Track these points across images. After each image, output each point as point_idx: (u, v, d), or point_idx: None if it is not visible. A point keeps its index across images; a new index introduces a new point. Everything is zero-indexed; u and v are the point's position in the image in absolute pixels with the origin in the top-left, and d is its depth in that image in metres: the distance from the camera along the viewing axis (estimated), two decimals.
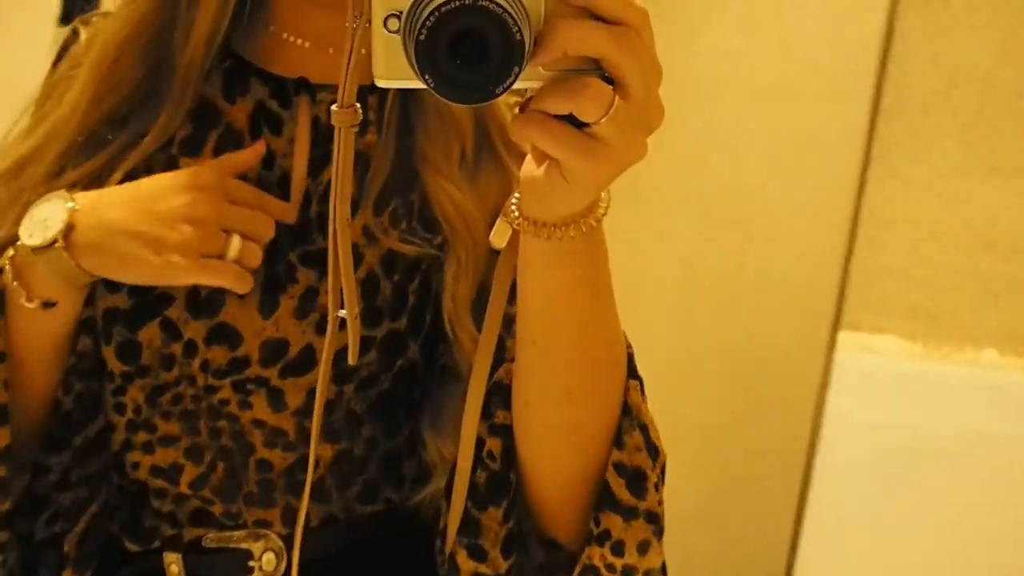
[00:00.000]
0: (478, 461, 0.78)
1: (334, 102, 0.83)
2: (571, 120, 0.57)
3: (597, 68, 0.57)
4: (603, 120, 0.56)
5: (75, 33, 0.93)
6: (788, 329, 1.29)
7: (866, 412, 1.19)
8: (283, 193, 0.86)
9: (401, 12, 0.56)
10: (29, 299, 0.80)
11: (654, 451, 0.75)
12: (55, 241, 0.79)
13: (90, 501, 0.89)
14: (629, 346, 0.78)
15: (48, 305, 0.81)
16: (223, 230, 0.80)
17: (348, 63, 0.63)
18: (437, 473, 0.88)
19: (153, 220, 0.80)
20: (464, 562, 0.77)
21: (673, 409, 1.71)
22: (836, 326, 1.17)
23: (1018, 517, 1.20)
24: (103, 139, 0.85)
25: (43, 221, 0.81)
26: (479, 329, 0.84)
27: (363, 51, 0.87)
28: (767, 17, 1.34)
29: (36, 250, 0.79)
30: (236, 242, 0.81)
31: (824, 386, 1.18)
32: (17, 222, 0.82)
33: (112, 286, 0.84)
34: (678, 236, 1.81)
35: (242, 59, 0.87)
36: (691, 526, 1.63)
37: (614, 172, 0.60)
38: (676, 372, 1.73)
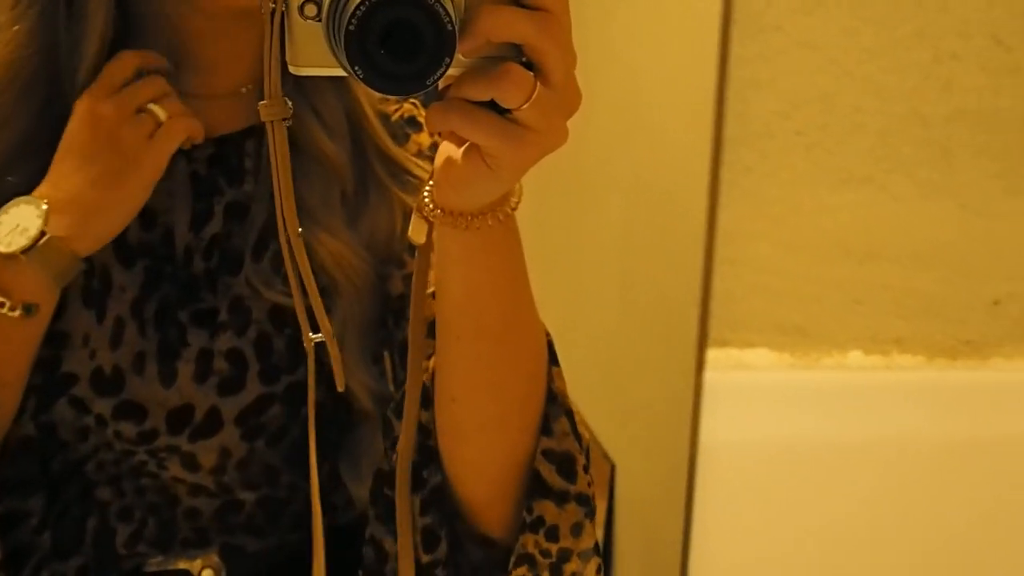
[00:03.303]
0: (392, 452, 0.79)
1: (212, 155, 0.87)
2: (492, 106, 0.57)
3: (516, 54, 0.57)
4: (525, 106, 0.56)
5: None
6: (655, 352, 1.31)
7: (741, 428, 1.22)
8: (167, 252, 0.86)
9: None
10: (12, 308, 0.79)
11: (579, 436, 0.76)
12: (41, 234, 0.79)
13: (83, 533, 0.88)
14: (548, 334, 0.78)
15: (30, 311, 0.80)
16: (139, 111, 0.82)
17: (270, 51, 0.61)
18: (361, 505, 0.90)
19: (93, 157, 0.81)
20: (391, 547, 0.78)
21: None
22: (703, 346, 1.19)
23: (893, 512, 1.25)
24: (2, 181, 0.84)
25: (17, 227, 0.81)
26: (374, 365, 0.87)
27: (247, 89, 0.88)
28: (605, 53, 1.35)
29: (25, 251, 0.79)
30: (156, 108, 0.82)
31: (697, 407, 1.20)
32: None
33: None
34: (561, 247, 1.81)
35: None
36: None
37: (537, 156, 0.59)
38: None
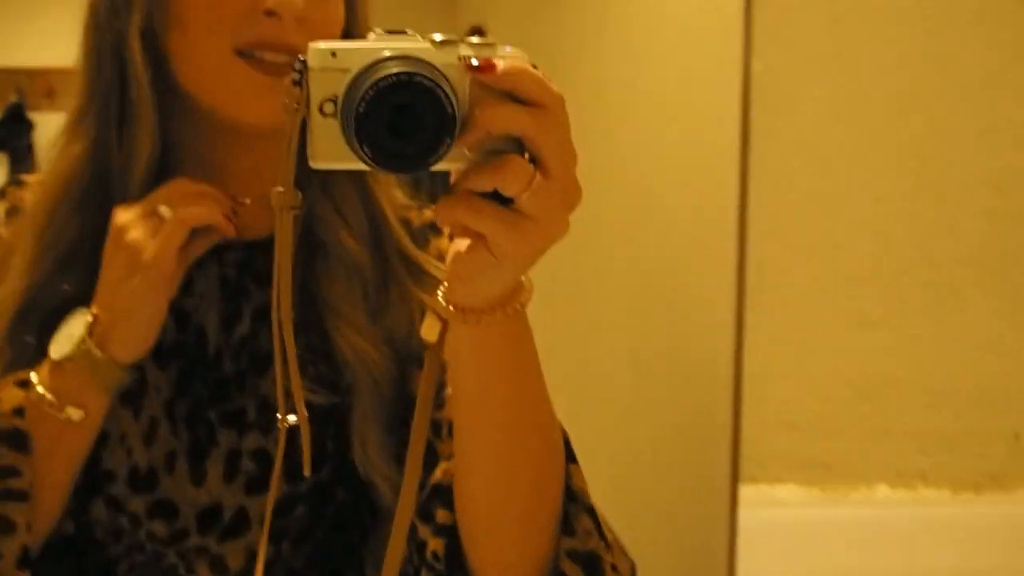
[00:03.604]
0: (422, 563, 0.79)
1: (241, 259, 0.91)
2: (495, 198, 0.60)
3: (517, 149, 0.60)
4: (525, 195, 0.59)
5: (2, 196, 0.97)
6: (688, 492, 1.35)
7: (773, 564, 1.25)
8: (200, 351, 0.90)
9: (336, 97, 0.59)
10: (60, 409, 0.83)
11: (604, 535, 0.75)
12: (82, 341, 0.83)
13: None
14: (564, 431, 0.78)
15: (77, 416, 0.83)
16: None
17: (288, 146, 0.64)
18: None
19: (111, 264, 0.85)
20: None
21: None
22: (735, 484, 1.23)
23: None
24: (56, 289, 0.88)
25: (68, 336, 0.85)
26: (397, 464, 0.86)
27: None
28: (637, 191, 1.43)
29: (70, 358, 0.83)
30: (162, 208, 0.85)
31: (732, 544, 1.23)
32: None
33: None
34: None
35: None
36: None
37: (539, 246, 0.62)
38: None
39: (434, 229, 0.98)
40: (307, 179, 0.75)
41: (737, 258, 1.20)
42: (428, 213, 0.99)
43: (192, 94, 0.89)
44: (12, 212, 0.95)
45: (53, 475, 0.85)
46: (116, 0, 0.88)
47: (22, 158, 5.47)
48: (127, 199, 0.87)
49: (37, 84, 5.62)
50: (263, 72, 0.85)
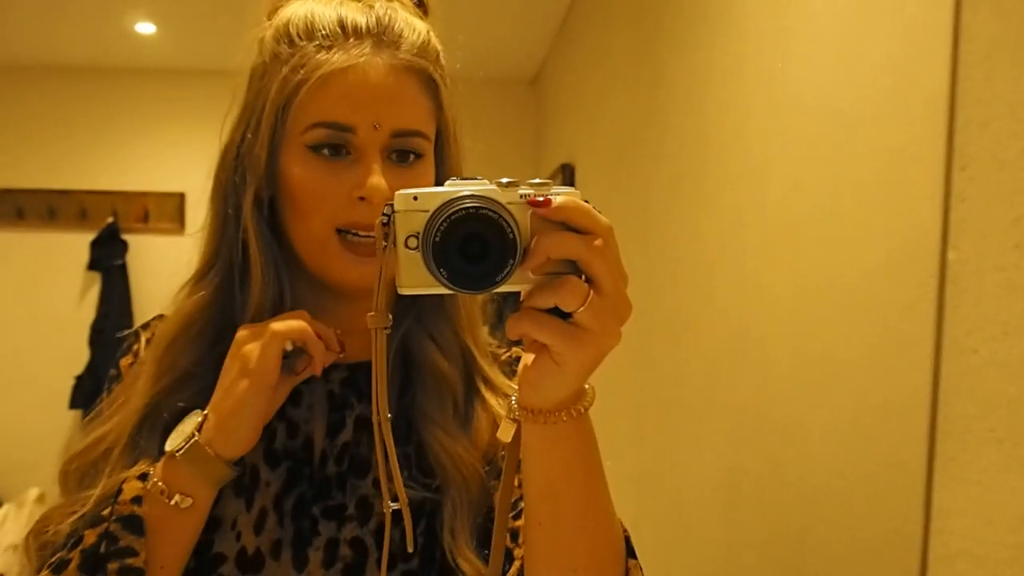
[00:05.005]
0: None
1: (345, 378, 1.00)
2: (556, 313, 0.66)
3: (574, 271, 0.66)
4: (581, 310, 0.64)
5: (136, 335, 1.09)
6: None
7: None
8: (306, 456, 0.98)
9: (418, 233, 0.64)
10: (169, 497, 0.88)
11: None
12: (192, 436, 0.90)
13: None
14: (625, 529, 0.84)
15: (183, 503, 0.88)
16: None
17: (380, 277, 0.69)
18: None
19: (227, 372, 0.92)
20: None
21: None
22: None
23: None
24: (172, 404, 0.96)
25: (181, 432, 0.92)
26: (480, 551, 0.93)
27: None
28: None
29: (179, 451, 0.89)
30: (273, 325, 0.90)
31: None
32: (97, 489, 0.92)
33: None
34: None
35: None
36: None
37: (595, 354, 0.67)
38: None
39: (518, 362, 1.06)
40: (405, 310, 0.87)
41: (929, 416, 1.43)
42: (516, 350, 1.10)
43: (301, 257, 0.99)
44: (150, 341, 1.05)
45: (166, 555, 0.90)
46: (235, 177, 0.98)
47: (115, 277, 5.63)
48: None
49: (132, 206, 5.81)
50: (355, 253, 0.94)
